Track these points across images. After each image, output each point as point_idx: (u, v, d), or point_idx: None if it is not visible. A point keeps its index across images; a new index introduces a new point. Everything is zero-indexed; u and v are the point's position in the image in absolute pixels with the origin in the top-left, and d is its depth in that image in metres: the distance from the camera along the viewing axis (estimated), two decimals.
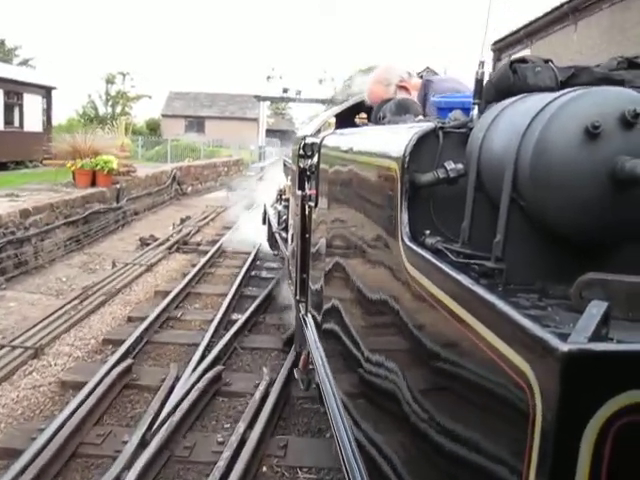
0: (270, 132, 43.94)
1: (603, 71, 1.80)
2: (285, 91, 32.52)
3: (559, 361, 0.97)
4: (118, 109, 54.17)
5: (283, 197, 8.68)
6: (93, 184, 14.32)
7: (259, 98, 33.17)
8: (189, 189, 22.80)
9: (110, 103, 55.25)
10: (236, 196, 21.66)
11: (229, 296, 8.68)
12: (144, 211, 17.00)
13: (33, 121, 27.20)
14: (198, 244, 13.00)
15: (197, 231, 14.62)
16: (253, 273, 10.50)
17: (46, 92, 29.37)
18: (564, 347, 0.97)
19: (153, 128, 51.69)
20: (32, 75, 30.52)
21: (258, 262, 11.27)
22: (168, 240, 13.11)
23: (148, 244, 12.85)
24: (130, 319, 7.98)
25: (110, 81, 55.05)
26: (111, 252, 12.26)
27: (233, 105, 53.36)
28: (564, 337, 1.00)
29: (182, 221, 15.77)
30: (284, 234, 7.49)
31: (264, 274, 10.47)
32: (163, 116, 53.38)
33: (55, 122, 47.94)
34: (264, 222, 10.56)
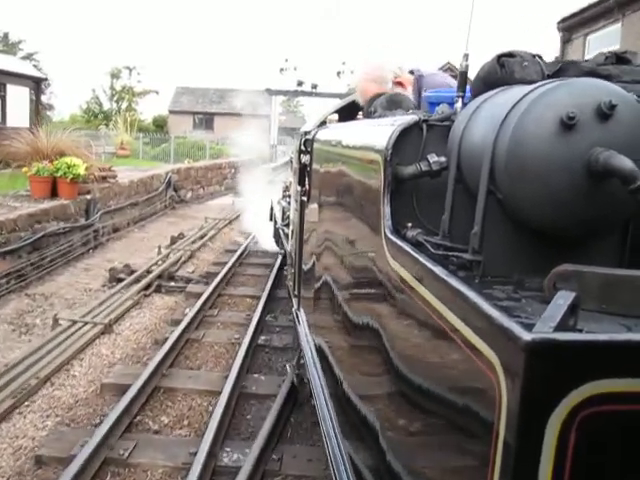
0: (281, 130, 40.62)
1: (590, 65, 1.75)
2: (300, 84, 28.60)
3: (523, 350, 0.94)
4: (124, 105, 51.53)
5: (287, 193, 8.31)
6: (56, 194, 10.69)
7: (270, 92, 29.37)
8: (188, 195, 19.13)
9: (115, 98, 52.61)
10: (243, 203, 18.01)
11: (222, 401, 5.01)
12: (127, 226, 13.32)
13: (18, 115, 23.74)
14: (188, 280, 9.31)
15: (190, 257, 10.92)
16: (263, 339, 6.80)
17: (34, 84, 25.91)
18: (528, 337, 0.94)
19: (160, 125, 48.66)
20: (18, 64, 27.00)
21: (269, 318, 7.59)
22: (148, 272, 9.46)
23: (120, 279, 9.20)
24: (39, 461, 4.31)
25: (115, 76, 52.46)
26: (66, 292, 8.61)
27: (243, 101, 50.09)
28: (529, 327, 0.97)
29: (172, 241, 12.08)
30: (287, 230, 7.09)
31: (281, 340, 6.81)
32: (170, 112, 50.21)
33: (58, 118, 45.11)
34: (271, 218, 9.82)
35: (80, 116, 47.75)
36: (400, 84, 3.55)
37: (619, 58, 1.80)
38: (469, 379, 1.19)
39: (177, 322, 7.18)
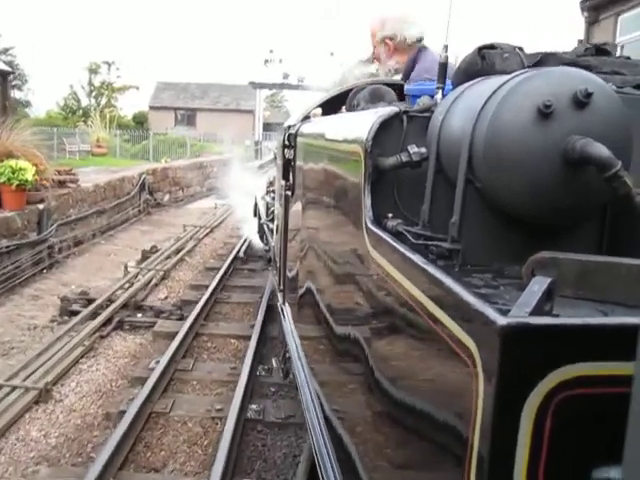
0: (265, 126, 38.85)
1: (570, 57, 1.76)
2: (285, 77, 26.72)
3: (498, 335, 0.93)
4: (103, 101, 49.67)
5: (271, 188, 8.08)
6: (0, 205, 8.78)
7: (255, 85, 27.46)
8: (166, 198, 17.18)
9: (94, 94, 50.68)
10: (227, 206, 16.17)
11: None
12: (92, 238, 11.39)
13: None
14: (158, 312, 7.42)
15: (162, 278, 9.04)
16: (254, 410, 4.94)
17: (0, 77, 23.84)
18: (503, 321, 0.94)
19: (140, 121, 46.73)
20: None
21: (262, 372, 5.73)
22: (110, 302, 7.59)
23: (74, 312, 7.32)
24: None
25: (94, 71, 50.53)
26: (3, 333, 6.70)
27: (227, 96, 48.33)
28: (504, 312, 0.97)
29: (144, 256, 10.20)
30: (271, 225, 6.81)
31: (279, 409, 4.97)
32: (151, 108, 48.30)
33: (35, 115, 42.87)
34: (255, 214, 9.53)
35: (57, 113, 45.65)
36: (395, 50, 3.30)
37: (599, 49, 1.81)
38: (448, 365, 1.17)
39: (140, 382, 5.33)
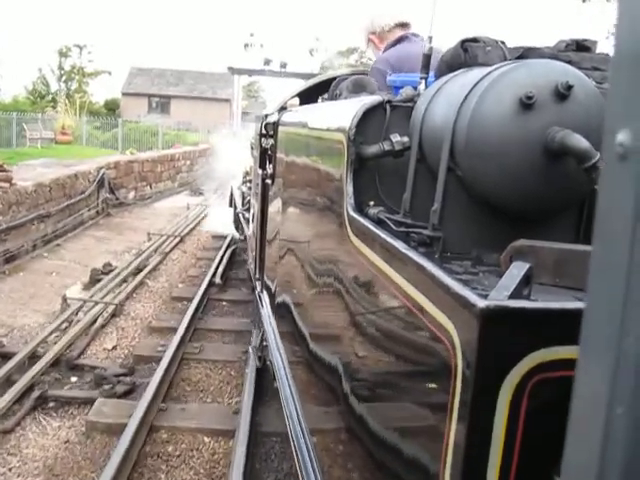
0: (242, 115, 36.64)
1: (551, 52, 1.75)
2: (267, 63, 24.09)
3: (477, 317, 0.93)
4: (73, 86, 46.92)
5: (247, 178, 8.08)
6: None
7: (233, 70, 24.75)
8: (130, 195, 14.68)
9: (64, 79, 47.82)
10: (203, 206, 13.78)
11: None
12: (33, 250, 8.94)
13: None
14: (100, 378, 5.04)
15: (112, 315, 6.65)
16: None
17: None
18: (482, 304, 0.93)
19: (112, 108, 44.03)
20: None
21: None
22: (34, 357, 5.24)
23: None
24: None
25: (64, 54, 47.62)
26: None
27: (203, 83, 45.97)
28: (484, 295, 0.97)
29: (92, 279, 7.78)
30: (247, 214, 6.82)
31: None
32: (123, 94, 45.63)
33: (0, 99, 39.90)
34: (230, 204, 9.29)
35: (25, 98, 42.65)
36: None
37: (579, 46, 1.81)
38: (429, 348, 1.16)
39: None
